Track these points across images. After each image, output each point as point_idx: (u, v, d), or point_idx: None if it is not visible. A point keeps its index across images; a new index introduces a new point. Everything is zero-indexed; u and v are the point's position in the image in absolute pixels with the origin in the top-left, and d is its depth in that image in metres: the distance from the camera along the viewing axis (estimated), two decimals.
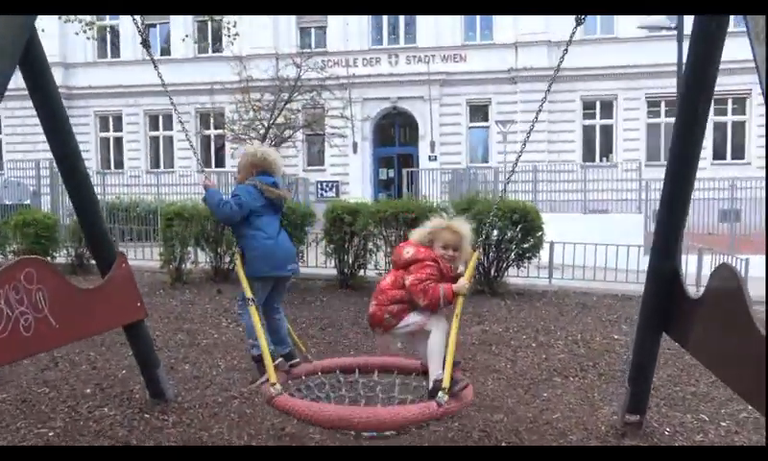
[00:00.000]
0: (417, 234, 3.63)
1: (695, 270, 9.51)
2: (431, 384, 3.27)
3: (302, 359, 3.99)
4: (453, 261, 3.57)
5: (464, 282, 3.46)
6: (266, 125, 19.50)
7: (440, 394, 3.08)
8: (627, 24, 21.20)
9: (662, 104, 22.41)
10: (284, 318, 4.17)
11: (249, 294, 3.70)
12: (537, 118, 3.80)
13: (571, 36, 3.50)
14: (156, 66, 4.10)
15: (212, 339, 6.45)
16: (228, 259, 9.07)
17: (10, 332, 3.23)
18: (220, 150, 24.94)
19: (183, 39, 20.58)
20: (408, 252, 3.52)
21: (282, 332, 4.06)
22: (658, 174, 16.21)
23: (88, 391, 4.95)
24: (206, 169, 4.36)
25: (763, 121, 19.45)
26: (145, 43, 4.20)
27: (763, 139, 19.52)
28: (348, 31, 23.85)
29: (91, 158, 24.64)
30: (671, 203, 3.59)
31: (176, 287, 8.70)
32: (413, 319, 3.44)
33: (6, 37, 3.06)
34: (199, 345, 6.25)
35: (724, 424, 4.35)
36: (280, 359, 3.76)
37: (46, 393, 4.89)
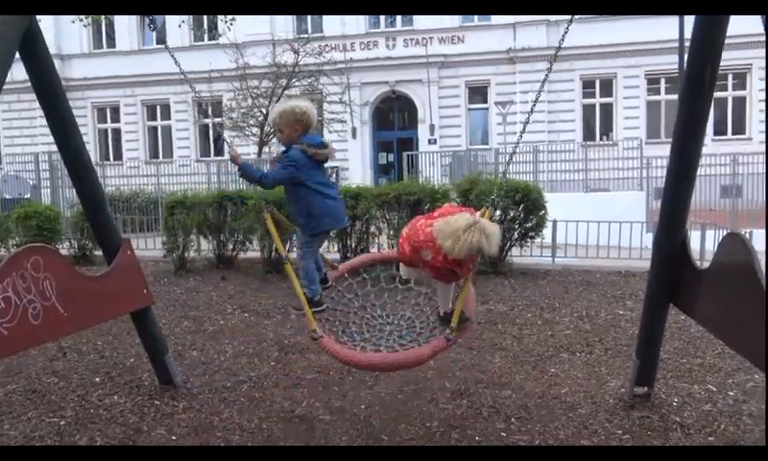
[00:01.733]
0: (449, 239, 3.25)
1: (698, 246, 9.50)
2: (441, 311, 3.80)
3: (329, 269, 4.27)
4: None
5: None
6: (264, 112, 19.41)
7: (447, 331, 3.54)
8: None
9: (662, 81, 22.28)
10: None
11: (283, 252, 4.00)
12: (537, 99, 3.73)
13: (571, 20, 3.47)
14: (171, 54, 4.05)
15: (218, 325, 6.46)
16: (230, 246, 9.06)
17: (18, 321, 3.23)
18: (218, 139, 24.88)
19: (180, 26, 20.33)
20: (427, 255, 3.48)
21: (320, 263, 4.26)
22: (658, 151, 16.29)
23: (97, 380, 4.97)
24: (227, 141, 4.46)
25: (764, 96, 19.36)
26: (153, 23, 4.31)
27: (764, 114, 19.45)
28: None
29: (90, 150, 24.49)
30: (679, 171, 3.57)
31: (180, 275, 8.70)
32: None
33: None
34: (205, 331, 6.26)
35: (731, 393, 4.37)
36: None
37: (56, 383, 4.91)
